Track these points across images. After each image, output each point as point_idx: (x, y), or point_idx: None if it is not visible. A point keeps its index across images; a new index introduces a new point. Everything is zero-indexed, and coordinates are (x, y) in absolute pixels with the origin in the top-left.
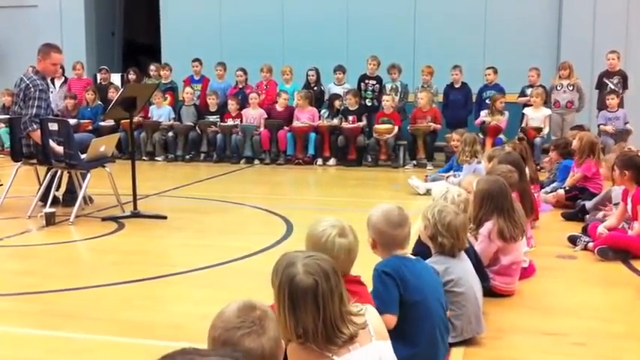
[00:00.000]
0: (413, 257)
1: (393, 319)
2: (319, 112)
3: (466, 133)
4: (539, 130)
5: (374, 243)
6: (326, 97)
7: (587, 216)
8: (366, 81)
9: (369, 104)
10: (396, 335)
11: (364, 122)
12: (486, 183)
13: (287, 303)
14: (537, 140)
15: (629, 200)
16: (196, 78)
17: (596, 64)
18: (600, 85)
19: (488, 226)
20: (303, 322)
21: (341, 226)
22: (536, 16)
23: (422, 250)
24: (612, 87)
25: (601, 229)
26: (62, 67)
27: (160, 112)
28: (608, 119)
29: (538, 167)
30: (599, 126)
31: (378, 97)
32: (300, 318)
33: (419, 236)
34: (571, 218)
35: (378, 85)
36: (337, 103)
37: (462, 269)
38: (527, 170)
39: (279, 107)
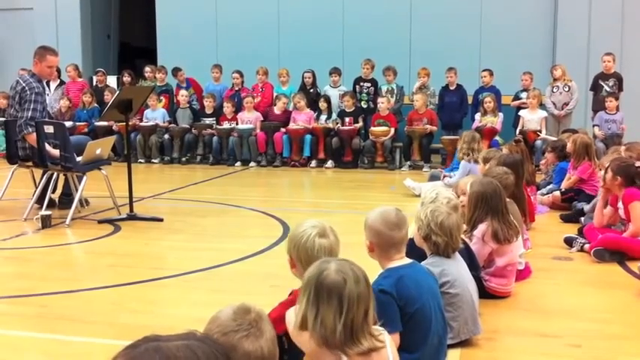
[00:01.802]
0: (408, 262)
1: (397, 338)
2: (316, 114)
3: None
4: (538, 132)
5: (371, 245)
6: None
7: (583, 218)
8: (361, 83)
9: (365, 106)
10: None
11: (360, 124)
12: (480, 185)
13: (312, 295)
14: (537, 143)
15: (619, 205)
16: (183, 85)
17: (592, 66)
18: (595, 87)
19: (482, 228)
20: (323, 316)
21: (321, 226)
22: (532, 18)
23: (416, 254)
24: (607, 89)
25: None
26: (58, 70)
27: (155, 114)
28: (605, 121)
29: (536, 169)
30: (594, 127)
31: (374, 100)
32: (321, 311)
33: (410, 239)
34: (569, 220)
35: (372, 88)
36: (321, 104)
37: (457, 270)
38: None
39: (277, 110)
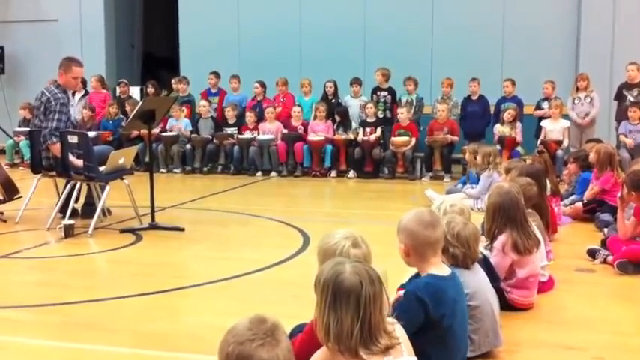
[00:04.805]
0: (448, 272)
1: None
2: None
3: (475, 145)
4: (559, 143)
5: (407, 249)
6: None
7: (606, 229)
8: (378, 92)
9: (381, 116)
10: (426, 358)
11: (379, 134)
12: (498, 196)
13: (329, 298)
14: (559, 153)
15: None
16: (213, 91)
17: (615, 76)
18: (619, 97)
19: (501, 239)
20: (341, 320)
21: (354, 237)
22: (554, 27)
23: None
24: (632, 99)
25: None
26: (84, 81)
27: (178, 124)
28: (630, 131)
29: (559, 180)
30: (618, 137)
31: (391, 109)
32: (340, 316)
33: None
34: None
35: (389, 97)
36: (337, 118)
37: (477, 282)
38: (547, 183)
39: (294, 122)
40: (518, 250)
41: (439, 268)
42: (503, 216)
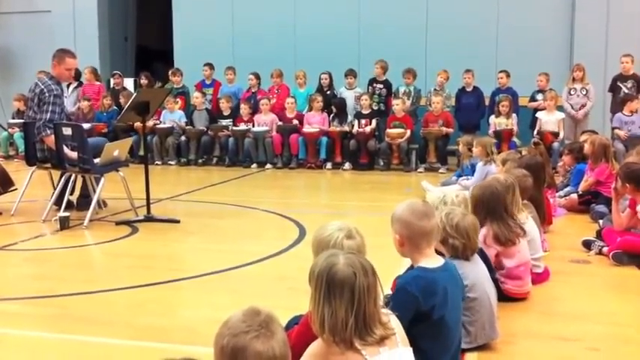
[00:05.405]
0: (441, 263)
1: None
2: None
3: (469, 137)
4: (556, 134)
5: (401, 239)
6: None
7: (602, 220)
8: (374, 85)
9: (376, 108)
10: (419, 351)
11: (373, 125)
12: (479, 189)
13: (324, 290)
14: (555, 145)
15: (638, 209)
16: (207, 82)
17: (609, 68)
18: (614, 89)
19: (482, 232)
20: (336, 312)
21: (348, 228)
22: (549, 18)
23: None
24: (626, 90)
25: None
26: (78, 72)
27: (173, 116)
28: (624, 123)
29: (554, 171)
30: (613, 129)
31: (385, 101)
32: (334, 308)
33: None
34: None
35: (385, 90)
36: (333, 109)
37: (476, 274)
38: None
39: (288, 113)
40: (499, 241)
41: (431, 259)
42: (483, 209)
